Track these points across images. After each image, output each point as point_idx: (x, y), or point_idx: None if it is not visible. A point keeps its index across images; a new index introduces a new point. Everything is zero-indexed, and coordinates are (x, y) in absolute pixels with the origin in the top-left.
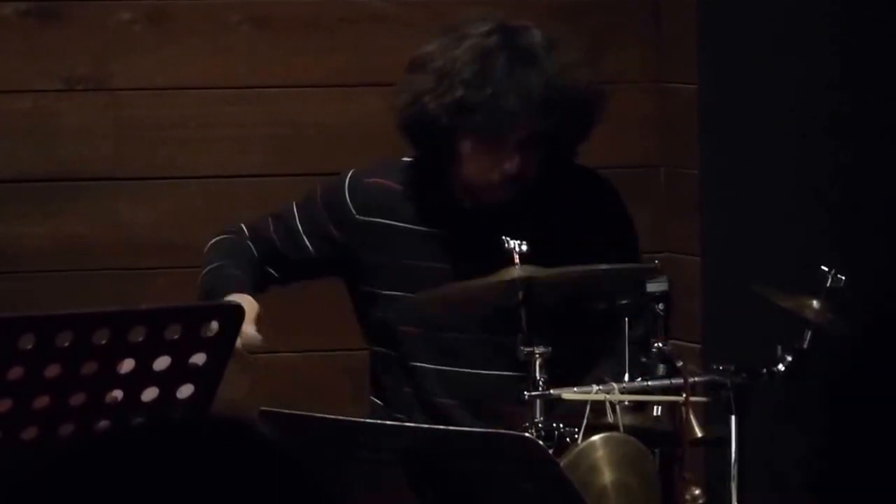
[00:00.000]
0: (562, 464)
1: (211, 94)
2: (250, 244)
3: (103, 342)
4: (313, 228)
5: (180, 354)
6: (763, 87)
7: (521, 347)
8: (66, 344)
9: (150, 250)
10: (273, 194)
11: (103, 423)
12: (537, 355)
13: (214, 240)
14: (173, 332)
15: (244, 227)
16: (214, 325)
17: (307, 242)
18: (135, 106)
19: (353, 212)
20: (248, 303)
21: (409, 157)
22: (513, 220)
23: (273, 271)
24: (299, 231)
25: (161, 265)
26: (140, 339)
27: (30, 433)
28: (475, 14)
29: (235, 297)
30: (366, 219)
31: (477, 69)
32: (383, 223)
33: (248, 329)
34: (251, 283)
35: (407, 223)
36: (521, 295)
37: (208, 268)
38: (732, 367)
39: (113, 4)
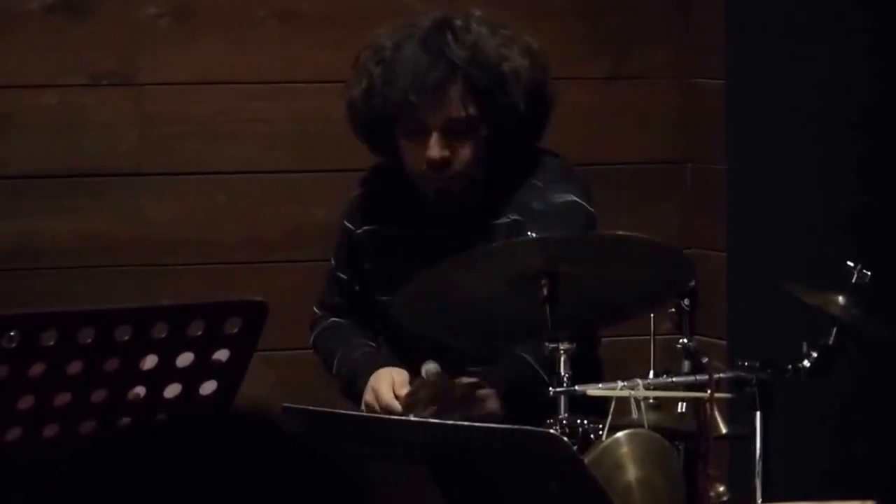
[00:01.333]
0: (586, 460)
1: (237, 89)
2: (338, 320)
3: (125, 338)
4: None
5: (203, 351)
6: (790, 83)
7: (546, 343)
8: (89, 340)
9: (174, 246)
10: (299, 190)
11: (125, 420)
12: (562, 351)
13: (317, 336)
14: (196, 329)
15: (321, 311)
16: (237, 321)
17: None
18: (160, 101)
19: (354, 230)
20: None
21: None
22: (469, 209)
23: (368, 319)
24: (344, 280)
25: (185, 261)
26: (163, 336)
27: (51, 430)
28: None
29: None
30: (364, 229)
31: (383, 62)
32: (376, 230)
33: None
34: (374, 351)
35: (384, 226)
36: (545, 290)
37: (336, 366)
38: (757, 364)
39: None
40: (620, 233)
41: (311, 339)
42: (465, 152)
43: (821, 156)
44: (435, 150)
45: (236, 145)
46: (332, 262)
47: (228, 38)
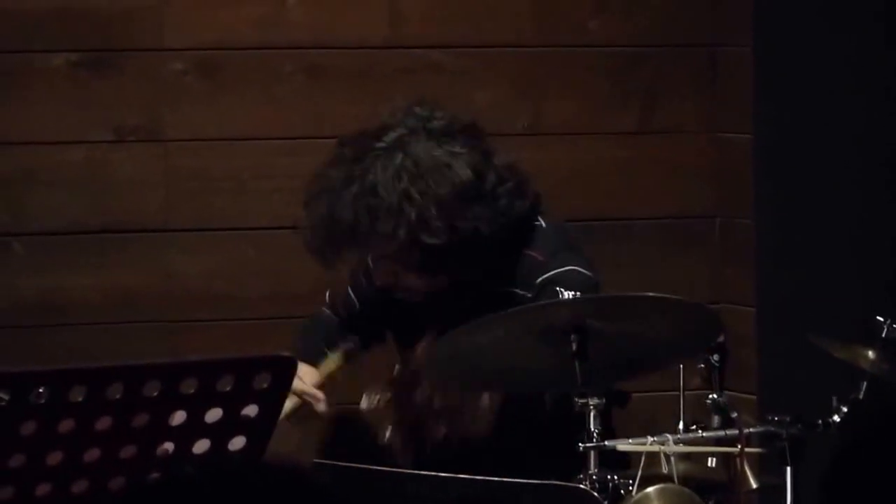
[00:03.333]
0: None
1: (264, 144)
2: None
3: (154, 394)
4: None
5: (232, 406)
6: (818, 137)
7: (576, 399)
8: (118, 396)
9: (201, 302)
10: None
11: (154, 476)
12: (591, 406)
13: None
14: (225, 384)
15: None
16: (266, 376)
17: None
18: (186, 157)
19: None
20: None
21: None
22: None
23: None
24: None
25: (212, 317)
26: (191, 391)
27: (80, 486)
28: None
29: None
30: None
31: (312, 196)
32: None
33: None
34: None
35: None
36: (574, 346)
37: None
38: (788, 418)
39: (164, 55)
40: (649, 294)
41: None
42: (415, 283)
43: (849, 210)
44: (380, 279)
45: (263, 200)
46: (350, 288)
47: (255, 94)
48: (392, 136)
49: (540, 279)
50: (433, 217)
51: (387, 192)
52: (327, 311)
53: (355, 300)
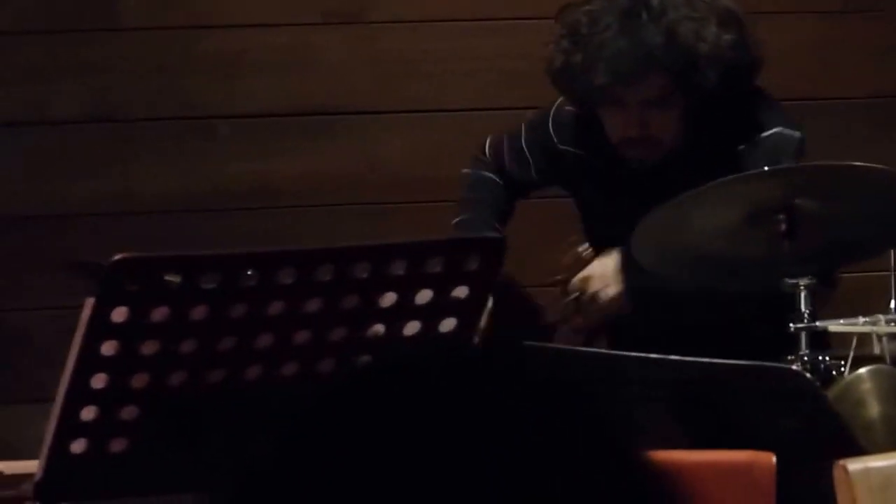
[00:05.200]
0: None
1: (465, 26)
2: (497, 180)
3: (364, 276)
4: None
5: (442, 288)
6: None
7: (785, 279)
8: (327, 278)
9: (406, 184)
10: None
11: (364, 358)
12: (802, 287)
13: (472, 177)
14: (434, 266)
15: (489, 157)
16: (476, 258)
17: (531, 162)
18: (390, 39)
19: (556, 142)
20: None
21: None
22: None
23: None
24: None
25: (414, 199)
26: (401, 273)
27: (290, 369)
28: None
29: None
30: (566, 148)
31: (580, 34)
32: (576, 153)
33: None
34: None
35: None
36: (783, 225)
37: (460, 219)
38: None
39: None
40: (858, 164)
41: (467, 173)
42: (662, 125)
43: None
44: (632, 128)
45: (466, 83)
46: (522, 139)
47: None
48: None
49: (752, 140)
50: (725, 47)
51: (687, 11)
52: (489, 174)
53: (530, 159)
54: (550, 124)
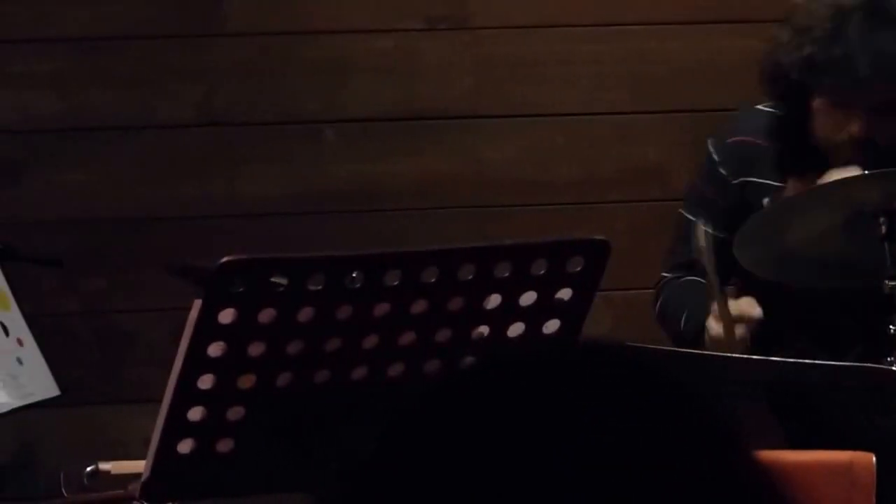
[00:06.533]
0: None
1: (569, 31)
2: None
3: (469, 278)
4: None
5: (546, 289)
6: None
7: (886, 281)
8: (432, 280)
9: (510, 187)
10: (631, 132)
11: (469, 359)
12: None
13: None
14: (539, 268)
15: (670, 273)
16: (580, 259)
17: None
18: (494, 44)
19: (728, 177)
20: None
21: (765, 105)
22: None
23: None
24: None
25: (520, 202)
26: (506, 275)
27: (396, 370)
28: None
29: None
30: (740, 180)
31: (830, 27)
32: (755, 182)
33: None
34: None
35: (776, 181)
36: (884, 228)
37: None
38: None
39: None
40: None
41: (657, 304)
42: (885, 134)
43: None
44: (861, 126)
45: (569, 87)
46: (686, 209)
47: None
48: None
49: None
50: None
51: None
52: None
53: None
54: (718, 163)
